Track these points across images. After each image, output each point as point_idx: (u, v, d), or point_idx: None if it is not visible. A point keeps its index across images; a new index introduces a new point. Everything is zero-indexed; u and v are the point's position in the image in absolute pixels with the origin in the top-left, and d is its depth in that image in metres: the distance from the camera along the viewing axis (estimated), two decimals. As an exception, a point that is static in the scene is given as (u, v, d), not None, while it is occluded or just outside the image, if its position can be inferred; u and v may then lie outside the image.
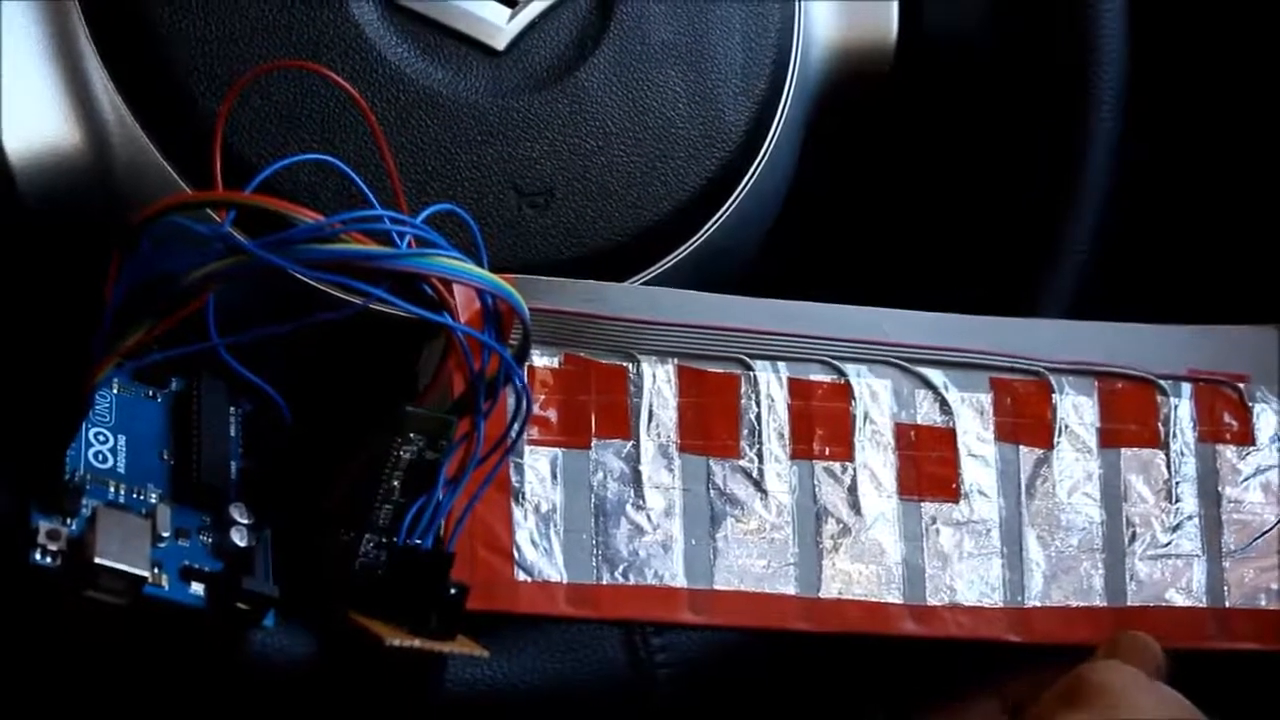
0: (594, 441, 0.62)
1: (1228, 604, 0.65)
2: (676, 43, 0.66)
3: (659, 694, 0.62)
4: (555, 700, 0.60)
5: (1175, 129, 0.76)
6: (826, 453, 0.64)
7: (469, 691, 0.59)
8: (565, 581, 0.61)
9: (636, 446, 0.62)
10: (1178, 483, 0.66)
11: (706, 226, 0.66)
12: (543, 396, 0.62)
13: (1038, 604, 0.64)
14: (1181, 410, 0.66)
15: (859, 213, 0.73)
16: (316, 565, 0.57)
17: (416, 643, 0.56)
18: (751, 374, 0.64)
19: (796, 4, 0.69)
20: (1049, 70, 0.70)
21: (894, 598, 0.63)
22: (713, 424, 0.63)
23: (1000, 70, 0.71)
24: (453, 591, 0.57)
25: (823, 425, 0.64)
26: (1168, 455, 0.66)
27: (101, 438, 0.57)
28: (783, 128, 0.68)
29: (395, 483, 0.57)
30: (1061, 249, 0.69)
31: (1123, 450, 0.66)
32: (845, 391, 0.64)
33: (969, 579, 0.64)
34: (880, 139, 0.72)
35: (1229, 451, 0.67)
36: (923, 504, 0.64)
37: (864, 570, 0.63)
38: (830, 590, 0.63)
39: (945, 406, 0.65)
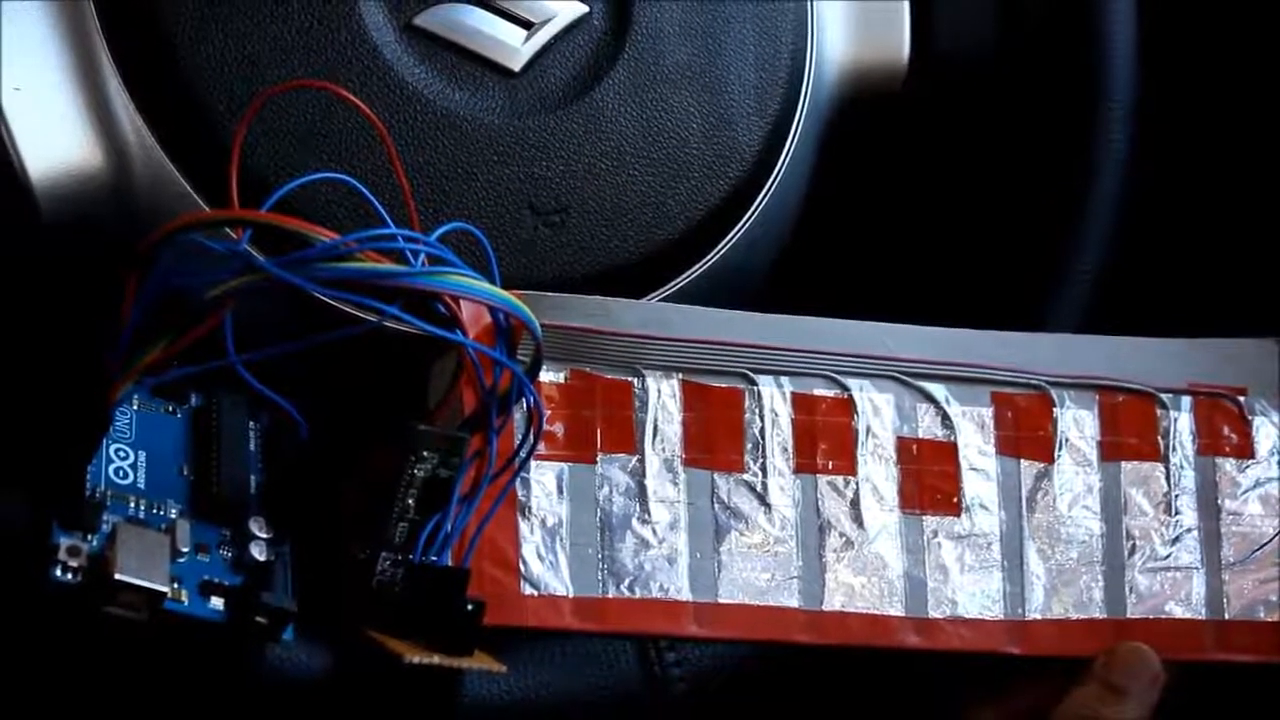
0: (599, 456, 0.62)
1: (1227, 616, 0.66)
2: (691, 64, 0.66)
3: (674, 708, 0.62)
4: (572, 714, 0.61)
5: (1177, 145, 0.76)
6: (829, 466, 0.64)
7: (487, 706, 0.59)
8: (571, 595, 0.61)
9: (641, 461, 0.63)
10: (1177, 495, 0.66)
11: (720, 245, 0.66)
12: (549, 411, 0.62)
13: (1038, 616, 0.64)
14: (1181, 423, 0.67)
15: (871, 231, 0.73)
16: (334, 582, 0.58)
17: (435, 659, 0.56)
18: (755, 388, 0.64)
19: (809, 25, 0.69)
20: (1059, 91, 0.70)
21: (896, 610, 0.63)
22: (717, 438, 0.63)
23: (1011, 91, 0.71)
24: (470, 607, 0.57)
25: (826, 439, 0.64)
26: (1167, 468, 0.66)
27: (122, 454, 0.57)
28: (796, 147, 0.68)
29: (410, 500, 0.57)
30: (1070, 269, 0.69)
31: (1123, 463, 0.66)
32: (848, 406, 0.64)
33: (970, 592, 0.64)
34: (892, 158, 0.72)
35: (1228, 464, 0.67)
36: (924, 517, 0.64)
37: (866, 583, 0.63)
38: (833, 603, 0.63)
39: (947, 420, 0.65)
